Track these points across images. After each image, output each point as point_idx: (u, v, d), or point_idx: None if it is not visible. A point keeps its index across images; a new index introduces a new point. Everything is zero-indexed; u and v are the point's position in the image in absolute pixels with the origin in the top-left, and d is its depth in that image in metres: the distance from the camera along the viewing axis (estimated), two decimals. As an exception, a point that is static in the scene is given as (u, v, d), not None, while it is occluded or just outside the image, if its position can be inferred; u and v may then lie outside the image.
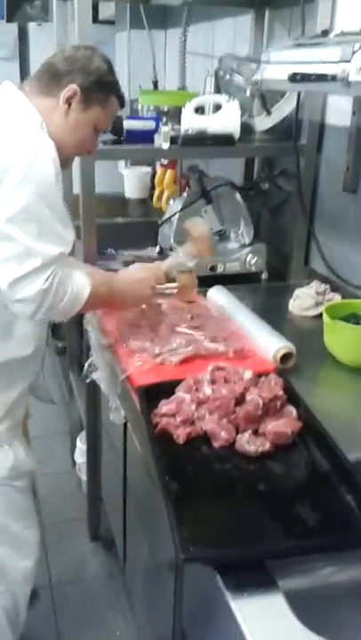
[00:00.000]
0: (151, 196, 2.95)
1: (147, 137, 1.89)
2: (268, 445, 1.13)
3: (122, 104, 1.49)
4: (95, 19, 3.66)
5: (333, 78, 1.21)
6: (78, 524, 2.36)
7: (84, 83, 1.38)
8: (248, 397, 1.21)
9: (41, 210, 1.26)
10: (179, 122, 1.89)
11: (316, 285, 1.80)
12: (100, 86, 1.40)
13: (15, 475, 1.51)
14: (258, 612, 0.81)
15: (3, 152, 1.27)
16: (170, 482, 1.03)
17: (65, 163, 1.44)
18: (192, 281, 1.66)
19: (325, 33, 1.53)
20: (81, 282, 1.35)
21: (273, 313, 1.71)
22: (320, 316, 1.59)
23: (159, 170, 2.80)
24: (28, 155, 1.26)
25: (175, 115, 2.00)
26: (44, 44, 3.28)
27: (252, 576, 0.86)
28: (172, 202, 2.39)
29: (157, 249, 2.29)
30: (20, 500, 1.56)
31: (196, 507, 1.00)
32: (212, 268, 1.95)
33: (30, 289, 1.27)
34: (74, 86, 1.37)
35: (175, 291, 1.65)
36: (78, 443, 2.47)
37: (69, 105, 1.38)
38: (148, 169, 3.12)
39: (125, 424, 1.53)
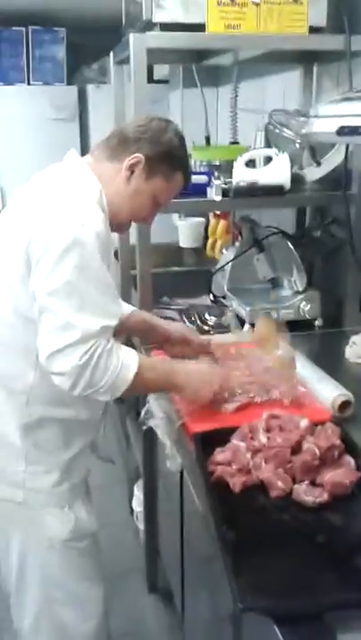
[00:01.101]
0: (205, 245, 3.02)
1: (200, 190, 1.96)
2: (325, 496, 1.12)
3: (187, 180, 1.47)
4: (150, 79, 3.84)
5: (380, 130, 1.25)
6: (137, 574, 2.35)
7: (150, 152, 1.37)
8: (304, 447, 1.20)
9: (82, 283, 1.24)
10: (230, 175, 1.96)
11: (371, 332, 1.79)
12: (167, 159, 1.39)
13: (77, 537, 1.46)
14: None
15: (49, 224, 1.26)
16: (227, 531, 1.03)
17: (120, 228, 1.46)
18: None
19: (372, 86, 1.57)
20: (127, 360, 1.29)
21: (328, 360, 1.71)
22: (377, 362, 1.58)
23: (212, 220, 2.87)
24: (72, 228, 1.24)
25: (227, 168, 2.06)
26: (103, 105, 3.46)
27: (311, 628, 0.85)
28: (224, 251, 2.44)
29: (211, 297, 2.33)
30: (83, 562, 1.50)
31: (253, 557, 1.00)
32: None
33: (66, 362, 1.23)
34: (140, 155, 1.36)
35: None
36: (135, 491, 2.48)
37: (132, 172, 1.37)
38: (202, 219, 3.20)
39: (182, 472, 1.54)
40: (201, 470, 1.21)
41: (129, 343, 2.04)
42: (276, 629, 0.84)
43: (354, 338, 1.80)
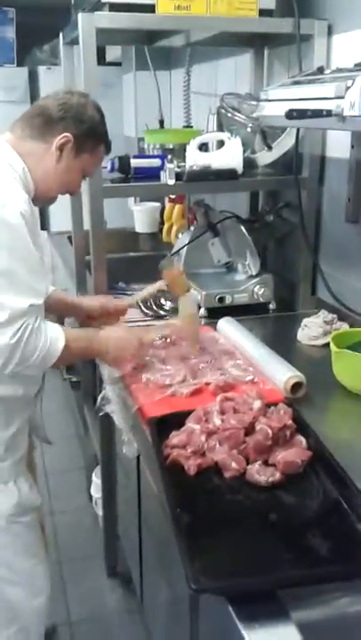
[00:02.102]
0: (161, 230, 3.02)
1: (153, 174, 1.95)
2: (278, 475, 1.13)
3: (108, 150, 1.54)
4: (103, 61, 3.79)
5: (329, 114, 1.25)
6: (96, 559, 2.36)
7: (77, 131, 1.41)
8: (257, 427, 1.22)
9: (9, 263, 1.27)
10: (184, 159, 1.95)
11: (323, 315, 1.81)
12: (92, 135, 1.44)
13: (21, 511, 1.51)
14: (270, 642, 0.81)
15: None
16: (181, 513, 1.04)
17: (49, 202, 1.51)
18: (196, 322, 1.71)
19: (321, 70, 1.58)
20: (54, 335, 1.35)
21: (282, 343, 1.73)
22: (329, 345, 1.60)
23: (168, 205, 2.87)
24: None
25: (180, 152, 2.06)
26: (54, 87, 3.40)
27: (264, 606, 0.86)
28: (180, 235, 2.44)
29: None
30: (28, 537, 1.55)
31: (208, 538, 1.00)
32: (221, 300, 1.97)
33: None
34: (69, 135, 1.40)
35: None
36: (94, 477, 2.48)
37: (61, 151, 1.41)
38: (157, 204, 3.19)
39: (138, 457, 1.54)
40: (156, 454, 1.21)
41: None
42: (230, 609, 0.86)
43: (306, 320, 1.82)
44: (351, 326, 1.76)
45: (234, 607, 0.86)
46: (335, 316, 1.82)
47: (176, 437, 1.23)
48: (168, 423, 1.29)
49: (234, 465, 1.16)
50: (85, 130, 1.42)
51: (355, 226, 1.79)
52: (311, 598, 0.92)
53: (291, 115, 1.26)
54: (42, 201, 1.46)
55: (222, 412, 1.28)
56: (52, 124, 1.40)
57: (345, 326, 1.78)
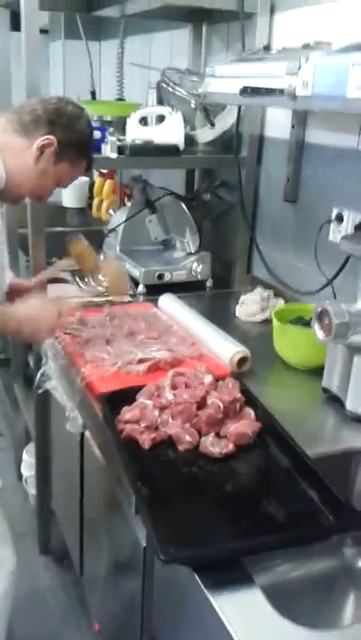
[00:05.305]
0: (90, 205, 2.97)
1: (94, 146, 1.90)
2: (230, 446, 1.16)
3: (89, 169, 1.53)
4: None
5: (282, 92, 1.27)
6: (27, 538, 2.32)
7: (63, 138, 1.39)
8: (209, 401, 1.24)
9: None
10: (122, 132, 1.92)
11: (260, 291, 1.86)
12: (78, 147, 1.43)
13: None
14: (238, 607, 0.84)
15: None
16: (141, 487, 1.05)
17: (16, 201, 1.47)
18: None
19: (267, 48, 1.60)
20: None
21: (221, 319, 1.75)
22: (266, 320, 1.65)
23: (98, 179, 2.82)
24: None
25: (118, 125, 2.03)
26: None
27: (229, 574, 0.89)
28: (112, 212, 2.41)
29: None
30: None
31: (167, 510, 1.02)
32: (160, 277, 1.98)
33: None
34: (52, 138, 1.37)
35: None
36: (25, 456, 2.43)
37: (42, 152, 1.38)
38: (86, 178, 3.12)
39: (82, 433, 1.53)
40: (110, 430, 1.21)
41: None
42: (197, 577, 0.88)
43: (243, 297, 1.86)
44: (286, 302, 1.82)
45: (200, 576, 0.88)
46: (271, 292, 1.87)
47: (129, 413, 1.23)
48: (118, 399, 1.29)
49: (188, 438, 1.18)
50: (73, 140, 1.41)
51: (292, 205, 1.83)
52: (270, 562, 0.96)
53: (245, 91, 1.27)
54: (7, 198, 1.41)
55: (174, 387, 1.29)
56: (40, 125, 1.38)
57: (281, 302, 1.83)
